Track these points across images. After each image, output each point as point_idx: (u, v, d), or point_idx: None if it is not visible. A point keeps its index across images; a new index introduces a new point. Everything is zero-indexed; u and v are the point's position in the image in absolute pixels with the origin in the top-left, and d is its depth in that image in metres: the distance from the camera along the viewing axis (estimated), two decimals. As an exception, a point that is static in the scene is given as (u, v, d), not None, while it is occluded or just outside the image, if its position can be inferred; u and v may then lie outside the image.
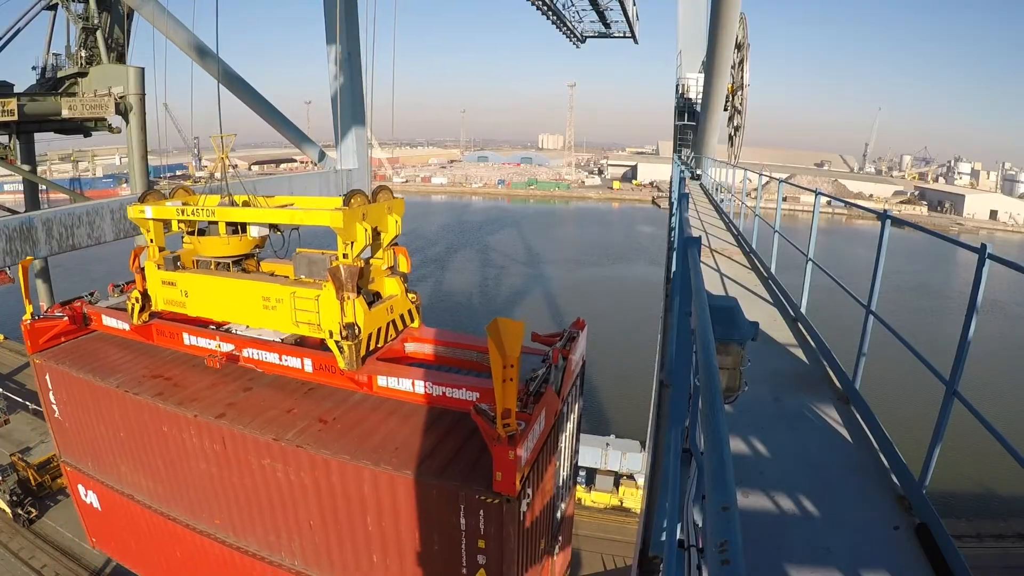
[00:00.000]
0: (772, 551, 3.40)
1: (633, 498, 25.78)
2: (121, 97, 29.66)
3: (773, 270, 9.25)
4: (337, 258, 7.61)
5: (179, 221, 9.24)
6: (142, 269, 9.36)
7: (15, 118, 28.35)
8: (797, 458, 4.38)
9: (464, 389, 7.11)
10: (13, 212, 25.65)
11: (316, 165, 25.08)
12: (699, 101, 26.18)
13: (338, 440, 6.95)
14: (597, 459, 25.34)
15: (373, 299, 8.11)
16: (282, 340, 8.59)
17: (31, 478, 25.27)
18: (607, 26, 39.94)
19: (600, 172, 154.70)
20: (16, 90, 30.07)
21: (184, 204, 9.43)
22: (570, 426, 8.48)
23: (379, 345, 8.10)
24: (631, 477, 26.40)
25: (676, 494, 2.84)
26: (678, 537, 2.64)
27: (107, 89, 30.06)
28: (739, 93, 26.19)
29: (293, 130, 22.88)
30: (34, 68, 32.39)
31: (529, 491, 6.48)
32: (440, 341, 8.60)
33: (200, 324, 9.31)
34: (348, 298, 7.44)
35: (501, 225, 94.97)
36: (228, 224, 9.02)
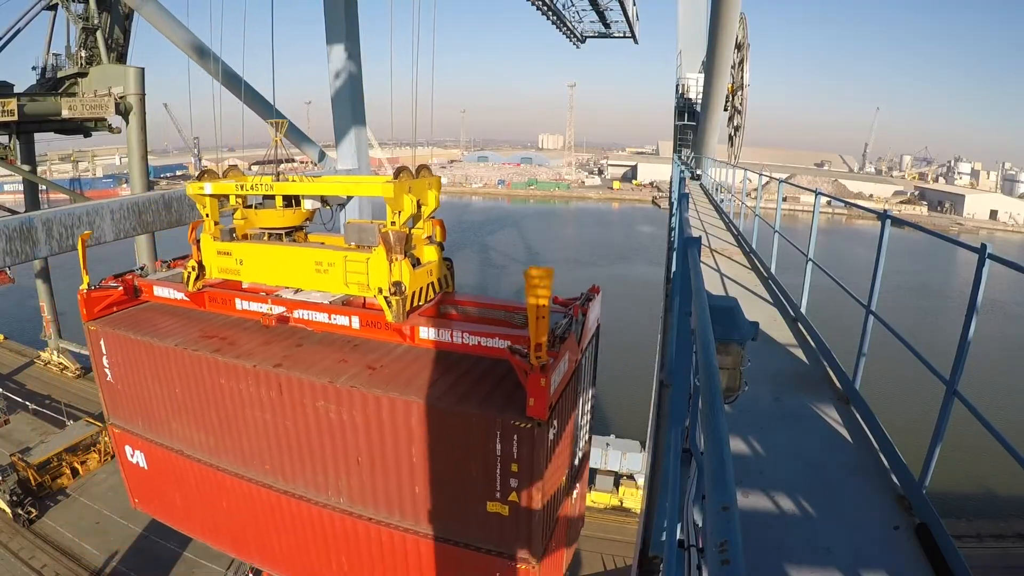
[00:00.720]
0: (772, 551, 3.41)
1: (633, 498, 25.78)
2: (121, 97, 29.66)
3: (773, 270, 9.25)
4: (385, 226, 8.60)
5: (236, 196, 10.15)
6: (198, 241, 10.21)
7: (15, 118, 28.36)
8: (797, 458, 4.38)
9: (497, 338, 7.93)
10: (13, 212, 25.67)
11: (316, 165, 25.08)
12: (699, 101, 26.17)
13: (387, 382, 7.69)
14: (597, 459, 25.32)
15: (416, 262, 8.97)
16: (329, 303, 9.38)
17: (31, 478, 25.27)
18: (607, 26, 39.95)
19: (600, 172, 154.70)
20: (16, 90, 30.08)
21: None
22: (587, 379, 9.32)
23: (420, 304, 8.96)
24: (631, 477, 26.40)
25: (676, 494, 2.84)
26: (678, 537, 2.64)
27: (107, 89, 30.06)
28: (739, 93, 26.19)
29: (293, 130, 22.86)
30: (34, 68, 32.40)
31: (555, 422, 7.26)
32: (472, 302, 9.49)
33: (248, 292, 10.20)
34: (396, 259, 8.44)
35: (501, 225, 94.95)
36: (284, 198, 9.93)
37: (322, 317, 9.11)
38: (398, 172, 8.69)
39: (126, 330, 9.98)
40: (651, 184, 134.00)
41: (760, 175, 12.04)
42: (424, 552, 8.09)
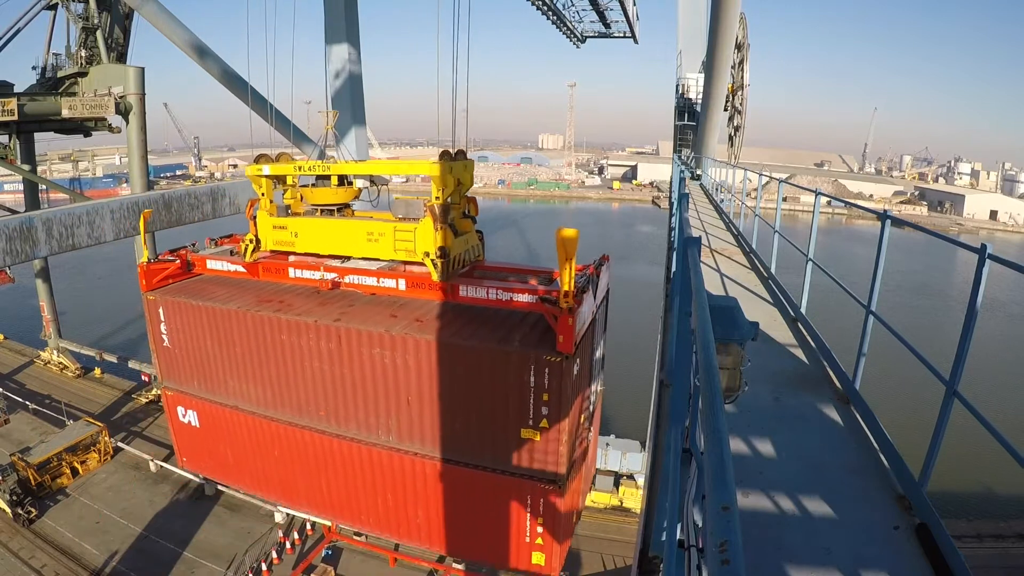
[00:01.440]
0: (772, 551, 3.40)
1: (633, 498, 25.77)
2: (121, 97, 29.64)
3: (773, 270, 9.25)
4: (430, 201, 9.77)
5: (293, 176, 11.42)
6: (254, 218, 11.24)
7: (15, 118, 28.32)
8: (797, 458, 4.38)
9: (526, 294, 9.10)
10: (13, 212, 25.67)
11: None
12: (699, 101, 26.16)
13: (435, 331, 8.78)
14: (597, 459, 25.30)
15: (455, 232, 10.13)
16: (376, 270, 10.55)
17: (31, 478, 25.27)
18: (607, 26, 39.95)
19: (600, 172, 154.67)
20: (16, 90, 30.05)
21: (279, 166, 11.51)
22: (600, 332, 10.67)
23: (458, 268, 10.26)
24: (631, 477, 26.39)
25: (676, 494, 2.84)
26: (678, 537, 2.64)
27: (107, 89, 30.05)
28: (739, 93, 26.18)
29: (293, 129, 22.85)
30: (34, 68, 32.38)
31: (578, 360, 8.45)
32: (500, 267, 11.04)
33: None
34: (441, 228, 9.64)
35: (501, 225, 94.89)
36: (338, 177, 11.20)
37: (371, 281, 10.22)
38: (443, 155, 9.83)
39: (186, 297, 10.82)
40: (651, 184, 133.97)
41: (760, 175, 12.04)
42: (464, 481, 9.13)
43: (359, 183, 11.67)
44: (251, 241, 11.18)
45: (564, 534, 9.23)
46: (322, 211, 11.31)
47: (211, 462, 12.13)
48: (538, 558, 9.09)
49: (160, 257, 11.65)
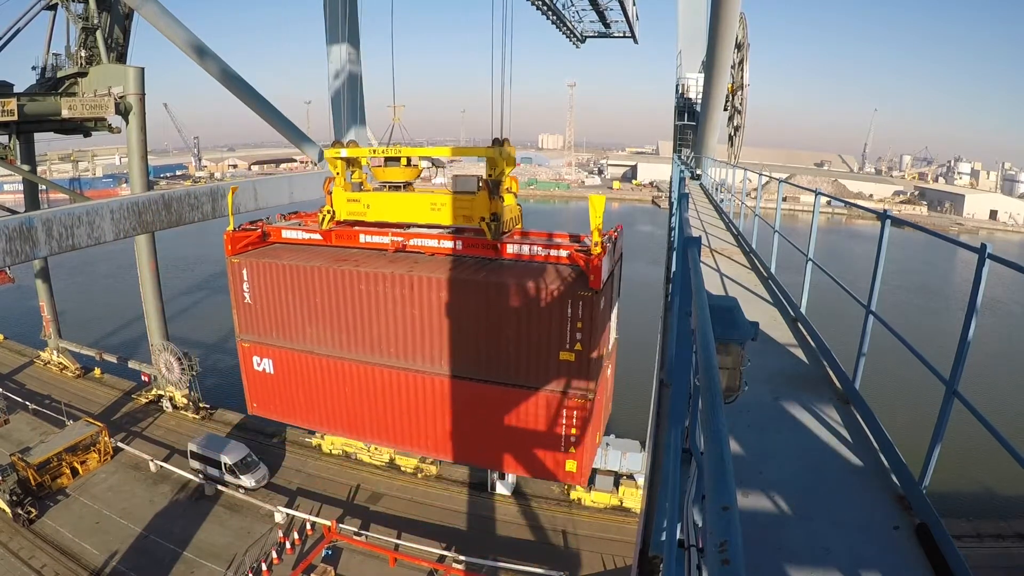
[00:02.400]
0: (772, 551, 3.41)
1: (633, 498, 25.77)
2: (121, 97, 29.64)
3: (773, 270, 9.25)
4: (484, 177, 11.74)
5: (368, 158, 13.38)
6: (330, 192, 13.11)
7: (15, 118, 28.33)
8: (797, 458, 4.38)
9: (561, 249, 11.05)
10: (13, 212, 25.65)
11: (316, 165, 25.04)
12: (699, 101, 26.15)
13: (492, 277, 10.64)
14: (597, 459, 25.30)
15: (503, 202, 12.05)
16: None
17: (31, 478, 25.29)
18: (607, 26, 39.88)
19: (600, 172, 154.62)
20: (16, 90, 30.05)
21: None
22: (616, 288, 12.54)
23: (505, 232, 11.94)
24: (631, 477, 26.39)
25: (676, 494, 2.84)
26: (678, 537, 2.64)
27: (107, 89, 30.05)
28: (739, 93, 26.17)
29: (293, 130, 22.81)
30: (34, 68, 32.39)
31: (603, 298, 10.29)
32: (536, 232, 12.85)
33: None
34: (493, 198, 11.58)
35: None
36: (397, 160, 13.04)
37: (432, 243, 12.00)
38: (495, 142, 11.73)
39: (270, 259, 12.51)
40: (651, 184, 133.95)
41: (760, 175, 12.04)
42: (512, 400, 10.84)
43: (423, 164, 13.54)
44: (328, 212, 13.07)
45: (591, 446, 11.23)
46: (389, 187, 13.21)
47: (281, 406, 13.62)
48: (571, 465, 10.88)
49: (242, 227, 13.41)
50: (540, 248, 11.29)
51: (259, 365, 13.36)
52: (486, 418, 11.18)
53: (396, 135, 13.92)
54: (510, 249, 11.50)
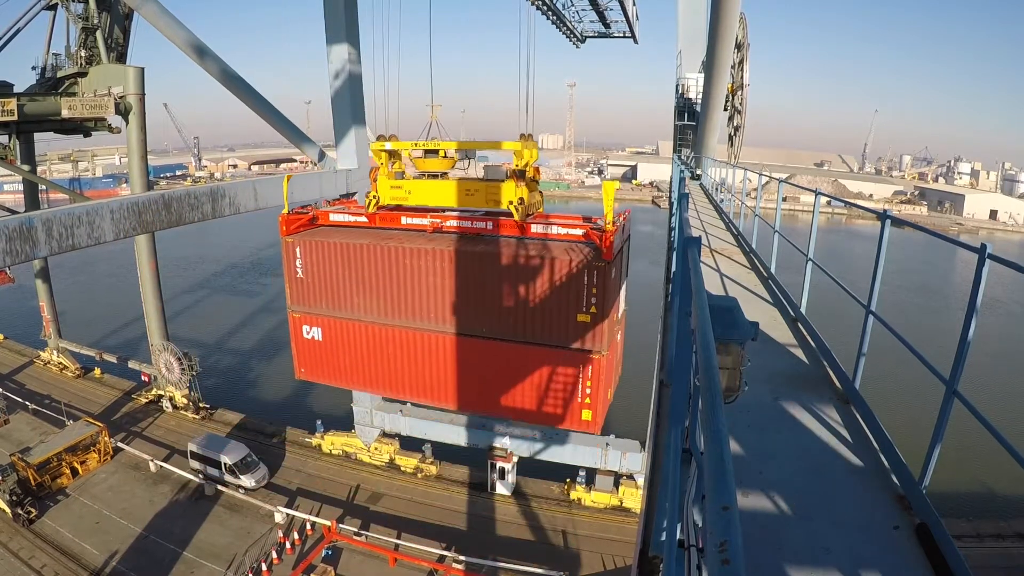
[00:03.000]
0: (772, 551, 3.41)
1: (633, 498, 25.77)
2: (121, 97, 29.64)
3: (773, 270, 9.25)
4: (511, 168, 13.45)
5: (408, 150, 15.00)
6: (375, 180, 14.86)
7: (15, 118, 28.34)
8: (797, 458, 4.38)
9: (577, 228, 12.98)
10: (13, 212, 25.65)
11: (316, 165, 25.02)
12: (699, 101, 26.15)
13: (521, 250, 12.53)
14: (597, 459, 25.29)
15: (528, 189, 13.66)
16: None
17: (31, 478, 25.28)
18: (607, 26, 39.85)
19: (600, 172, 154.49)
20: (16, 90, 30.04)
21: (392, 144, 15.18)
22: (625, 265, 14.35)
23: (529, 214, 13.49)
24: (631, 477, 26.36)
25: (676, 494, 2.84)
26: (678, 537, 2.64)
27: (107, 89, 30.05)
28: (739, 93, 26.17)
29: (293, 130, 22.77)
30: (34, 68, 32.40)
31: (614, 269, 12.20)
32: (555, 215, 14.15)
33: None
34: (520, 185, 13.23)
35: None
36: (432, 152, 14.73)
37: (466, 224, 13.69)
38: (521, 136, 13.42)
39: (323, 238, 14.27)
40: (651, 184, 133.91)
41: (760, 175, 12.03)
42: (538, 357, 12.75)
43: (457, 155, 15.00)
44: (374, 197, 14.72)
45: (604, 399, 13.05)
46: (428, 175, 14.74)
47: (327, 369, 15.21)
48: (586, 415, 12.77)
49: (294, 210, 15.07)
50: (560, 228, 13.12)
51: (308, 333, 15.03)
52: (514, 374, 13.11)
53: (432, 131, 15.84)
54: (534, 229, 13.28)
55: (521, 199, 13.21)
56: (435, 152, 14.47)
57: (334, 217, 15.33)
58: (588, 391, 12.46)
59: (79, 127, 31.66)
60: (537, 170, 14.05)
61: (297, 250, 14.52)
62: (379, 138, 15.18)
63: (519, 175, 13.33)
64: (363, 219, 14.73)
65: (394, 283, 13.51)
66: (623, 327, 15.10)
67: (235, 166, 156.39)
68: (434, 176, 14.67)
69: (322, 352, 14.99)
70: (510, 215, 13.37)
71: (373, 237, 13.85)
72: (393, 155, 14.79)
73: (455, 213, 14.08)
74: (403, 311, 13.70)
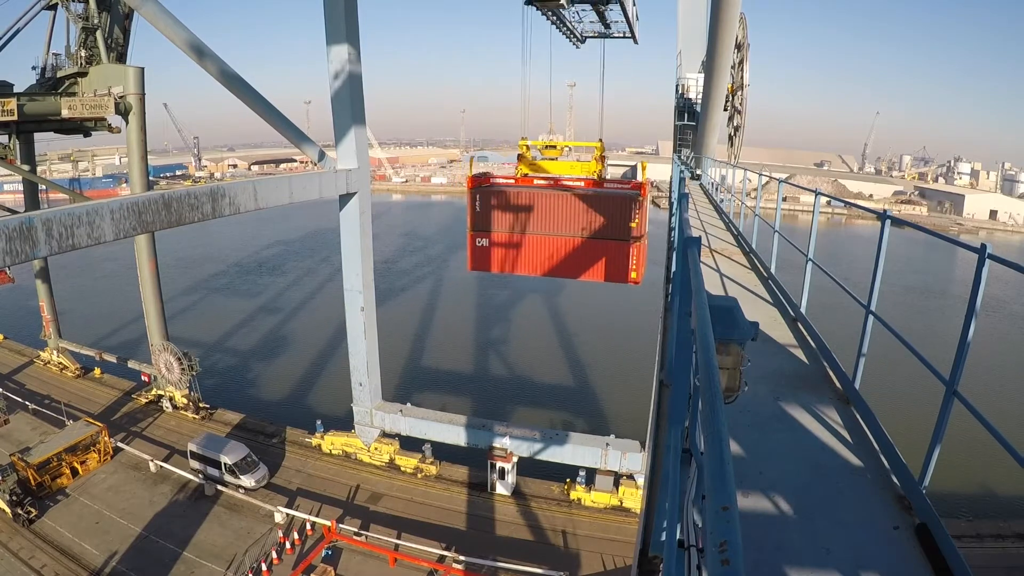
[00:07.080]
0: (772, 551, 3.40)
1: (633, 498, 25.76)
2: (121, 97, 29.63)
3: (773, 270, 9.25)
4: (594, 156, 21.33)
5: (544, 146, 22.47)
6: (520, 161, 21.93)
7: (15, 118, 28.34)
8: (797, 458, 4.38)
9: (626, 184, 21.84)
10: (13, 212, 25.64)
11: (316, 165, 25.00)
12: (699, 101, 26.16)
13: (599, 193, 20.40)
14: (597, 459, 25.24)
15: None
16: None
17: (31, 478, 25.28)
18: (607, 26, 39.80)
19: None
20: (16, 90, 30.04)
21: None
22: (647, 214, 20.07)
23: (600, 178, 21.30)
24: (631, 477, 26.28)
25: (676, 494, 2.84)
26: (678, 537, 2.64)
27: (107, 89, 30.04)
28: (739, 93, 26.18)
29: (293, 130, 22.73)
30: (34, 68, 32.38)
31: (645, 203, 19.48)
32: (609, 180, 22.01)
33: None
34: (597, 164, 21.06)
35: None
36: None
37: (570, 180, 21.38)
38: (600, 139, 21.61)
39: (489, 188, 21.14)
40: (651, 184, 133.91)
41: (760, 175, 12.03)
42: (610, 246, 19.78)
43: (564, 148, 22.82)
44: (520, 170, 22.04)
45: (642, 268, 20.01)
46: (549, 159, 22.10)
47: (490, 263, 21.71)
48: (634, 275, 19.88)
49: (474, 174, 21.71)
50: (617, 186, 21.43)
51: (479, 242, 21.72)
52: (595, 256, 20.31)
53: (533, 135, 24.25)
54: (606, 185, 20.99)
55: (599, 172, 21.33)
56: (553, 147, 22.71)
57: (498, 181, 23.08)
58: (634, 264, 19.80)
59: (79, 127, 31.67)
60: (604, 157, 21.96)
61: (477, 196, 21.25)
62: (522, 140, 23.48)
63: (600, 159, 21.39)
64: (512, 182, 22.22)
65: (541, 210, 20.62)
66: (647, 236, 22.07)
67: (235, 166, 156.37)
68: (553, 159, 22.48)
69: (488, 253, 22.02)
70: (591, 179, 21.18)
71: (520, 185, 21.72)
72: (527, 148, 22.83)
73: (564, 179, 21.90)
74: (537, 225, 20.86)
